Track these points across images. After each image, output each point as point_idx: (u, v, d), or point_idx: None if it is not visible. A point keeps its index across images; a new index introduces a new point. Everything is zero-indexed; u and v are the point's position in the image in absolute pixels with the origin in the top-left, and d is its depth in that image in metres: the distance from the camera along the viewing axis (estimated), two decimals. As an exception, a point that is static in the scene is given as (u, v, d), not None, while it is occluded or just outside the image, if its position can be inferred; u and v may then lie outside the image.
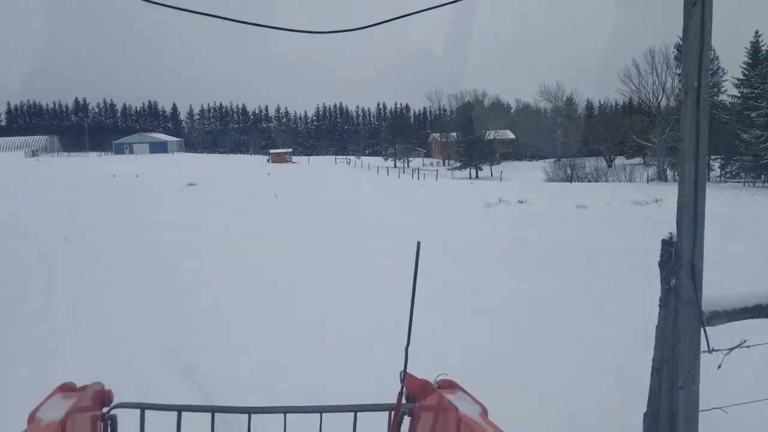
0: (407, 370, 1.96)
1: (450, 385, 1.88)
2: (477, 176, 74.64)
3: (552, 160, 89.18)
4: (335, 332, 7.31)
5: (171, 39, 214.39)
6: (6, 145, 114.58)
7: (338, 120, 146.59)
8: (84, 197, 28.92)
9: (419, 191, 36.15)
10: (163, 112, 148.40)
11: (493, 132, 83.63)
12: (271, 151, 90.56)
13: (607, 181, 62.06)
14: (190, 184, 39.70)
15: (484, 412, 1.66)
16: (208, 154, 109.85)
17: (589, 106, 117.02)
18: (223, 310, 8.56)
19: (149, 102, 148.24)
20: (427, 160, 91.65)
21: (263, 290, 9.83)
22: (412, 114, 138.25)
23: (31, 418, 1.53)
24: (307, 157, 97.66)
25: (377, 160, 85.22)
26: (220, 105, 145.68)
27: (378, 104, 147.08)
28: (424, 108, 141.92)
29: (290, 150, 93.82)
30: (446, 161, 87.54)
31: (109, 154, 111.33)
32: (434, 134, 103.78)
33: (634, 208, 25.25)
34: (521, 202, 25.37)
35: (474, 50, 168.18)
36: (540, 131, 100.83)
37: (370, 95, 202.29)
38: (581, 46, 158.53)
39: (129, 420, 2.01)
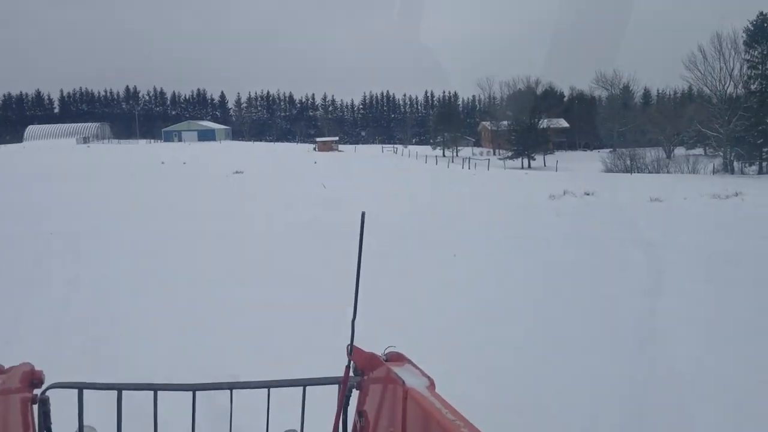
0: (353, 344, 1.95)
1: (398, 358, 1.87)
2: (529, 166, 72.10)
3: (608, 150, 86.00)
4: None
5: (219, 27, 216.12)
6: (59, 132, 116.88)
7: (385, 108, 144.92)
8: (130, 184, 28.16)
9: (474, 182, 34.34)
10: (212, 100, 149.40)
11: (545, 120, 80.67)
12: (318, 139, 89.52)
13: (668, 172, 58.90)
14: (237, 172, 38.80)
15: (432, 384, 1.65)
16: (255, 142, 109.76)
17: (647, 94, 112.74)
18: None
19: (198, 90, 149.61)
20: (477, 149, 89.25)
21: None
22: (460, 102, 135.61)
23: None
24: (353, 146, 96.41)
25: (424, 149, 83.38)
26: (267, 93, 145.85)
27: (426, 92, 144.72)
28: (473, 96, 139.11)
29: (336, 138, 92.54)
30: (496, 150, 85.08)
31: (159, 141, 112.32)
32: (484, 123, 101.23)
33: (716, 202, 22.98)
34: (588, 194, 23.38)
35: (526, 35, 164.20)
36: (595, 120, 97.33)
37: (417, 83, 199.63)
38: (641, 32, 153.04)
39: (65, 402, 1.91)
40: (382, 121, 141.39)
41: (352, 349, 1.97)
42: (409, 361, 1.85)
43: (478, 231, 14.22)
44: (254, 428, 1.88)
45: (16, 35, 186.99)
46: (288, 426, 2.08)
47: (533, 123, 76.22)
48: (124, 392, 2.09)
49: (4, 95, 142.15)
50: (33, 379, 1.88)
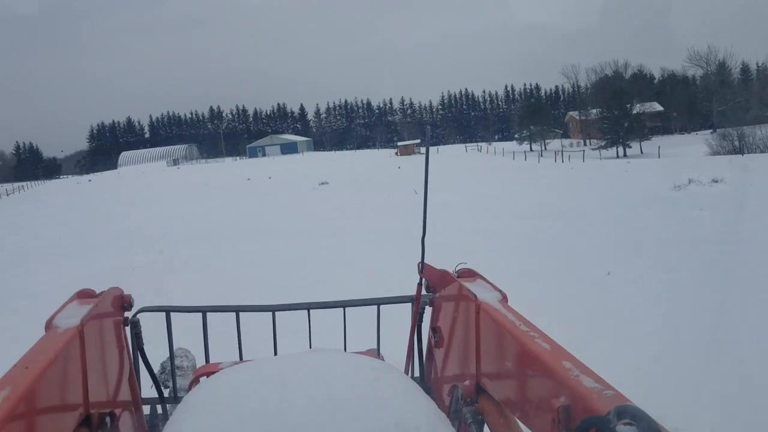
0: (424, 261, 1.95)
1: (469, 274, 1.90)
2: (625, 154, 67.90)
3: (708, 131, 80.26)
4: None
5: (296, 40, 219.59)
6: (150, 156, 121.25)
7: (464, 107, 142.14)
8: (218, 203, 27.49)
9: (576, 176, 31.70)
10: (292, 113, 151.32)
11: (638, 105, 75.90)
12: (399, 143, 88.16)
13: (785, 150, 53.61)
14: (323, 183, 37.79)
15: (504, 298, 1.66)
16: (336, 152, 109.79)
17: (745, 69, 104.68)
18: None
19: (278, 104, 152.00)
20: (566, 141, 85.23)
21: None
22: (543, 93, 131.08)
23: (48, 325, 1.54)
24: (436, 147, 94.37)
25: (510, 145, 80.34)
26: (345, 102, 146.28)
27: (506, 86, 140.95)
28: (556, 86, 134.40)
29: (418, 141, 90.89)
30: (587, 141, 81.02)
31: (243, 157, 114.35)
32: (571, 113, 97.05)
33: None
34: (716, 182, 20.52)
35: (610, 16, 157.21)
36: (690, 101, 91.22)
37: (496, 78, 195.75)
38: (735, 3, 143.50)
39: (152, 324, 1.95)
40: (462, 120, 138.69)
41: (423, 267, 2.01)
42: (481, 276, 1.86)
43: (617, 236, 12.06)
44: (333, 345, 1.77)
45: (108, 66, 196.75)
46: (365, 343, 2.01)
47: (626, 109, 71.89)
48: (208, 314, 2.24)
49: (98, 125, 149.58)
50: (123, 302, 1.97)
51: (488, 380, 1.63)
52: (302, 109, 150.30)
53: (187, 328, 2.34)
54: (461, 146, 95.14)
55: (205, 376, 1.98)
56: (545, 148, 75.27)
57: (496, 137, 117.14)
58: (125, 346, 1.97)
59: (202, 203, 28.10)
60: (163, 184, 49.71)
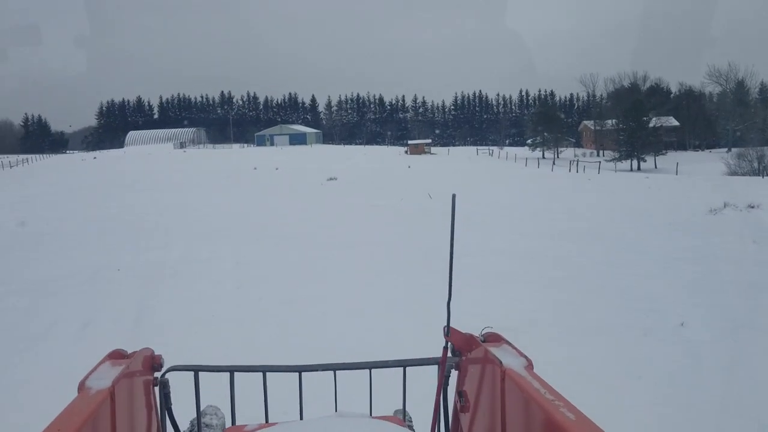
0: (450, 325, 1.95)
1: (495, 338, 1.88)
2: (638, 168, 66.57)
3: (723, 150, 78.87)
4: None
5: (311, 30, 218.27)
6: (157, 138, 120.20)
7: (477, 109, 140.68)
8: (222, 195, 26.33)
9: (592, 189, 30.43)
10: (303, 104, 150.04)
11: (654, 119, 74.39)
12: (410, 142, 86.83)
13: (806, 174, 52.16)
14: (331, 179, 36.60)
15: (530, 364, 1.65)
16: (345, 146, 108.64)
17: (764, 89, 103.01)
18: None
19: (290, 94, 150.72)
20: (579, 151, 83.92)
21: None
22: (557, 101, 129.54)
23: (81, 386, 1.56)
24: (446, 148, 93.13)
25: (521, 151, 79.06)
26: (357, 96, 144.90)
27: (520, 91, 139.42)
28: (571, 94, 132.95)
29: (429, 141, 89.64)
30: (600, 151, 79.66)
31: (251, 145, 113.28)
32: (586, 122, 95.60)
33: None
34: (752, 207, 19.25)
35: (631, 26, 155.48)
36: (706, 118, 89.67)
37: (511, 82, 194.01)
38: (758, 20, 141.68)
39: (181, 383, 2.00)
40: (474, 122, 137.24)
41: (449, 330, 1.97)
42: (507, 342, 1.83)
43: (667, 269, 10.82)
44: (358, 407, 1.81)
45: (119, 43, 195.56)
46: (391, 405, 2.03)
47: (642, 121, 70.45)
48: (236, 374, 2.25)
49: (108, 102, 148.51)
50: (153, 363, 1.97)
51: None
52: (313, 100, 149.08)
53: (214, 384, 2.35)
54: (472, 149, 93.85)
55: None
56: (558, 156, 73.93)
57: (507, 142, 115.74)
58: (154, 407, 1.97)
59: (203, 193, 26.98)
60: (166, 167, 48.61)
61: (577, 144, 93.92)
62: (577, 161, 57.53)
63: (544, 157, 71.56)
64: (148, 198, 24.51)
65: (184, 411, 2.17)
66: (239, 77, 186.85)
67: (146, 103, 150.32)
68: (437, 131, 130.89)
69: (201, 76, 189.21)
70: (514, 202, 22.95)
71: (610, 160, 67.58)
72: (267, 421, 2.35)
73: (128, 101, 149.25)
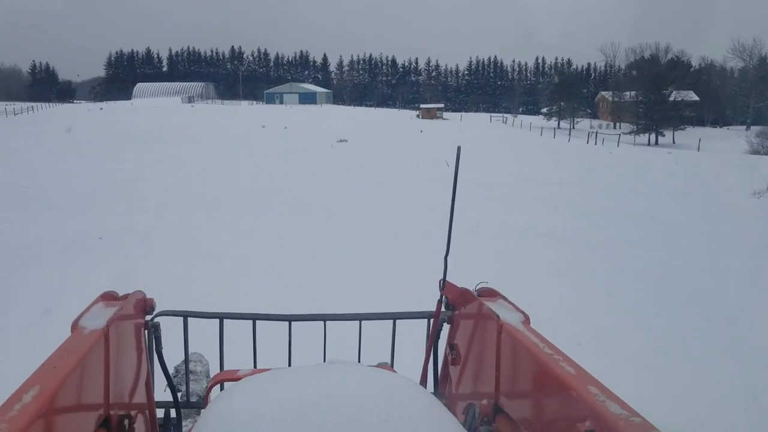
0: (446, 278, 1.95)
1: (490, 293, 1.88)
2: (656, 142, 64.66)
3: (741, 127, 76.82)
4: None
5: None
6: (165, 91, 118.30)
7: (491, 75, 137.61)
8: (225, 155, 25.06)
9: (614, 163, 28.91)
10: (314, 62, 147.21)
11: (674, 92, 72.01)
12: (422, 106, 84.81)
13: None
14: (341, 141, 35.17)
15: (527, 320, 1.66)
16: (356, 107, 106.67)
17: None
18: None
19: (301, 52, 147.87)
20: (595, 122, 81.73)
21: None
22: (574, 70, 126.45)
23: (74, 326, 1.59)
24: (459, 114, 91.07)
25: (536, 119, 77.07)
26: (370, 56, 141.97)
27: (536, 58, 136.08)
28: (588, 64, 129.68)
29: (442, 105, 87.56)
30: (617, 124, 77.56)
31: (260, 103, 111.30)
32: (603, 93, 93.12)
33: None
34: (795, 190, 17.80)
35: None
36: (727, 94, 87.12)
37: (527, 49, 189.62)
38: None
39: (166, 329, 2.00)
40: (487, 88, 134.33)
41: (444, 284, 2.00)
42: (503, 297, 1.83)
43: (734, 266, 9.50)
44: (347, 357, 1.75)
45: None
46: (375, 357, 2.02)
47: (663, 95, 68.22)
48: (225, 320, 2.31)
49: (116, 52, 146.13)
50: (146, 306, 2.01)
51: (507, 400, 1.61)
52: (325, 59, 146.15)
53: (200, 332, 2.35)
54: (484, 115, 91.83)
55: (220, 384, 2.10)
56: (573, 127, 71.97)
57: (521, 110, 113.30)
58: (144, 349, 1.99)
59: (207, 152, 25.67)
60: (172, 122, 47.16)
61: (593, 115, 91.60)
62: (596, 133, 55.60)
63: (559, 127, 69.59)
64: (148, 155, 23.25)
65: (168, 357, 2.07)
66: (250, 32, 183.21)
67: (155, 55, 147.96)
68: (450, 96, 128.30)
69: (211, 30, 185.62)
70: (535, 174, 21.57)
71: (629, 133, 65.61)
72: (255, 367, 2.35)
73: (137, 52, 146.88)
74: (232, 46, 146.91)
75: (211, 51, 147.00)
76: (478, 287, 1.93)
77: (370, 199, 15.06)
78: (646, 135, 66.77)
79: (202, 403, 2.51)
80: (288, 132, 41.18)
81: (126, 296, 1.93)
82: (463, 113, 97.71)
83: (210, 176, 17.83)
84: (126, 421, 1.67)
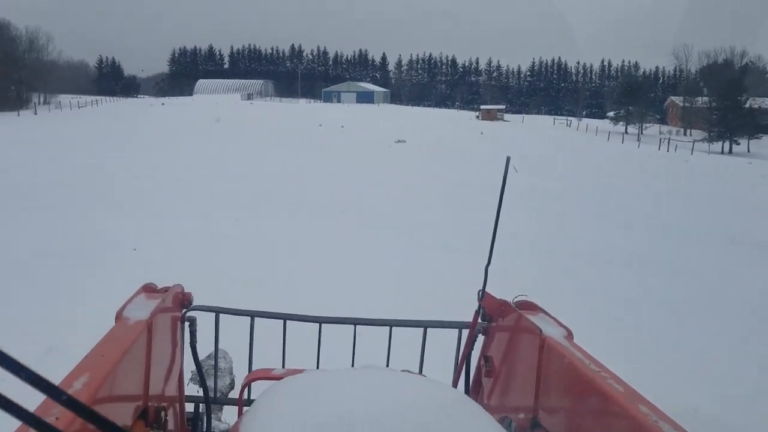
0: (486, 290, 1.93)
1: (530, 307, 1.85)
2: (731, 151, 61.09)
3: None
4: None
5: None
6: (226, 88, 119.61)
7: (554, 77, 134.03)
8: (283, 154, 24.20)
9: (700, 175, 26.72)
10: (372, 61, 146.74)
11: (750, 99, 67.82)
12: (482, 107, 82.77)
13: None
14: (399, 141, 33.97)
15: (570, 335, 1.63)
16: (413, 107, 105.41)
17: None
18: None
19: (360, 51, 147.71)
20: (664, 128, 78.08)
21: None
22: (641, 73, 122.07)
23: (119, 316, 1.63)
24: (521, 116, 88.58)
25: (601, 123, 74.05)
26: (429, 56, 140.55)
27: (602, 61, 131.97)
28: (656, 67, 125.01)
29: (503, 107, 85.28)
30: (687, 130, 73.84)
31: (318, 100, 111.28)
32: (673, 98, 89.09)
33: None
34: None
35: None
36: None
37: (592, 51, 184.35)
38: None
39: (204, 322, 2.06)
40: (550, 91, 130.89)
41: (483, 295, 1.96)
42: (543, 311, 1.80)
43: None
44: (375, 360, 1.79)
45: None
46: (401, 365, 1.96)
47: (739, 101, 64.43)
48: (256, 319, 2.31)
49: (180, 49, 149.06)
50: (183, 300, 2.01)
51: (547, 416, 1.58)
52: (384, 58, 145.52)
53: (222, 329, 2.38)
54: (547, 118, 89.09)
55: (250, 382, 2.12)
56: (642, 133, 68.79)
57: (584, 113, 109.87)
58: (179, 343, 2.01)
59: (262, 149, 24.87)
60: (231, 119, 46.96)
61: (662, 121, 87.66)
62: (668, 139, 52.70)
63: (627, 132, 66.59)
64: (197, 151, 22.60)
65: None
66: (310, 31, 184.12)
67: (217, 53, 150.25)
68: (510, 98, 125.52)
69: (272, 28, 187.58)
70: (604, 183, 19.83)
71: (701, 140, 62.16)
72: (283, 367, 2.34)
73: (200, 49, 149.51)
74: (292, 45, 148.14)
75: (272, 49, 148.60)
76: (515, 300, 1.88)
77: (424, 206, 13.81)
78: (719, 143, 63.19)
79: (227, 399, 2.73)
80: (345, 131, 40.26)
81: (166, 289, 1.93)
82: (525, 115, 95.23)
83: (255, 179, 16.87)
84: (162, 414, 1.68)
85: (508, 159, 1.84)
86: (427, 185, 17.59)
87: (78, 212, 11.39)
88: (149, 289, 1.90)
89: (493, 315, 1.98)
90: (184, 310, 2.05)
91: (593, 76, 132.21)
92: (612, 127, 70.94)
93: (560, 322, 1.69)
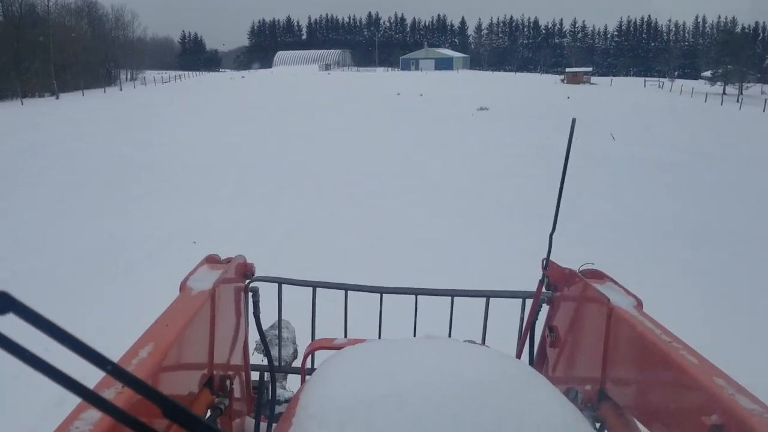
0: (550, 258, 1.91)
1: (598, 275, 1.80)
2: None
3: None
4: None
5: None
6: (304, 58, 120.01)
7: (644, 36, 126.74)
8: (358, 125, 23.46)
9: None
10: (451, 26, 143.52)
11: None
12: (567, 69, 79.24)
13: None
14: (482, 108, 32.56)
15: (639, 304, 1.59)
16: (494, 72, 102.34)
17: None
18: None
19: (438, 16, 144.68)
20: (766, 87, 72.26)
21: None
22: (739, 30, 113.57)
23: (183, 287, 1.65)
24: (608, 78, 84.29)
25: (696, 84, 69.28)
26: (510, 18, 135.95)
27: (696, 17, 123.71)
28: (756, 23, 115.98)
29: (590, 69, 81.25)
30: (793, 90, 67.97)
31: (396, 69, 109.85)
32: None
33: None
34: None
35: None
36: None
37: (684, 6, 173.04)
38: None
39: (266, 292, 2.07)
40: (639, 51, 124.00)
41: (548, 264, 1.92)
42: (611, 279, 1.75)
43: None
44: (436, 331, 1.70)
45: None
46: (462, 335, 1.96)
47: None
48: (318, 289, 2.33)
49: (259, 21, 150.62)
50: (246, 271, 2.03)
51: (615, 387, 1.56)
52: (463, 22, 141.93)
53: (285, 300, 2.39)
54: (636, 80, 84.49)
55: (313, 351, 2.15)
56: (741, 93, 63.91)
57: (676, 74, 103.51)
58: (242, 313, 2.02)
59: (336, 121, 24.19)
60: (307, 89, 46.63)
61: (762, 79, 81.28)
62: (774, 100, 48.49)
63: (725, 93, 61.98)
64: (274, 125, 22.14)
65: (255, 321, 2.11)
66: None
67: (295, 24, 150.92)
68: (596, 60, 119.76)
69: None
70: (710, 149, 17.98)
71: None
72: (345, 336, 2.37)
73: (278, 21, 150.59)
74: (369, 12, 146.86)
75: (348, 18, 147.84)
76: (582, 268, 1.82)
77: (521, 182, 12.68)
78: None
79: (290, 368, 2.72)
80: (424, 99, 39.08)
81: (228, 260, 1.92)
82: (612, 77, 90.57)
83: (329, 153, 16.16)
84: (228, 382, 1.69)
85: (574, 121, 1.74)
86: (522, 155, 16.42)
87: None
88: (212, 260, 1.88)
89: (558, 284, 1.92)
90: (248, 281, 2.04)
91: (686, 34, 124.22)
92: (708, 87, 66.22)
93: (629, 291, 1.62)
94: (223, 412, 1.66)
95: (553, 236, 1.84)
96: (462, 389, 1.07)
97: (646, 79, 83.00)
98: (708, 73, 72.63)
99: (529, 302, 2.10)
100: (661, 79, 79.68)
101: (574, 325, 1.81)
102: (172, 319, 1.40)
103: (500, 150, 16.98)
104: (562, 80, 73.02)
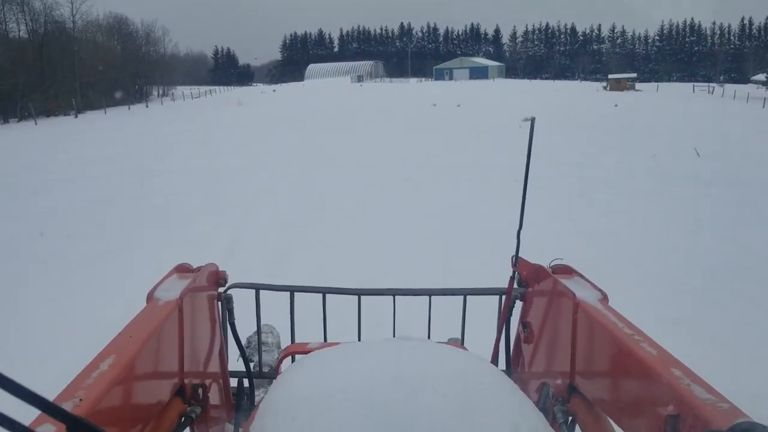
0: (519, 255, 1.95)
1: (566, 271, 1.83)
2: None
3: None
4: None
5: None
6: (336, 71, 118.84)
7: (687, 40, 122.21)
8: (391, 145, 21.21)
9: None
10: (485, 35, 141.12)
11: None
12: (610, 76, 75.86)
13: None
14: (527, 119, 29.94)
15: (605, 298, 1.61)
16: (531, 80, 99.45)
17: None
18: None
19: (471, 24, 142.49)
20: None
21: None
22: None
23: (149, 297, 1.63)
24: (652, 84, 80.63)
25: (747, 88, 65.42)
26: (546, 25, 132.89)
27: (742, 19, 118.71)
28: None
29: (634, 75, 77.73)
30: None
31: (429, 79, 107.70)
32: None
33: None
34: None
35: None
36: None
37: (730, 8, 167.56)
38: None
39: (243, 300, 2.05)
40: (682, 55, 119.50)
41: (517, 261, 1.96)
42: (579, 274, 1.78)
43: None
44: (416, 333, 1.73)
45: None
46: (444, 333, 2.00)
47: None
48: (295, 294, 2.35)
49: (291, 35, 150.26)
50: (218, 278, 2.01)
51: (583, 381, 1.58)
52: (497, 31, 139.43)
53: (271, 305, 2.42)
54: (682, 85, 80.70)
55: (292, 355, 2.18)
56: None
57: (722, 78, 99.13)
58: (217, 320, 2.02)
59: (366, 137, 22.03)
60: (337, 102, 44.66)
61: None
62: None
63: (780, 97, 58.10)
64: (300, 141, 20.03)
65: (242, 328, 2.13)
66: (419, 7, 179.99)
67: (327, 36, 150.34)
68: (636, 65, 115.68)
69: (381, 7, 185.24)
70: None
71: None
72: (325, 340, 2.38)
73: (310, 34, 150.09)
74: (401, 23, 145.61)
75: (380, 29, 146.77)
76: (552, 264, 1.85)
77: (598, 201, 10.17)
78: None
79: (273, 373, 2.61)
80: (462, 111, 36.65)
81: (199, 269, 1.91)
82: (657, 83, 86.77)
83: (358, 178, 13.87)
84: (200, 390, 1.71)
85: (533, 120, 1.76)
86: (586, 173, 13.95)
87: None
88: (182, 269, 1.87)
89: (529, 280, 1.95)
90: (221, 289, 2.03)
91: (731, 37, 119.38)
92: (759, 91, 62.35)
93: (595, 285, 1.65)
94: (196, 420, 1.64)
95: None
96: (407, 383, 1.11)
97: (695, 84, 79.11)
98: (762, 77, 68.66)
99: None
100: (710, 84, 75.80)
101: (545, 320, 1.83)
102: (136, 330, 1.39)
103: (568, 171, 14.46)
104: (605, 87, 69.94)
